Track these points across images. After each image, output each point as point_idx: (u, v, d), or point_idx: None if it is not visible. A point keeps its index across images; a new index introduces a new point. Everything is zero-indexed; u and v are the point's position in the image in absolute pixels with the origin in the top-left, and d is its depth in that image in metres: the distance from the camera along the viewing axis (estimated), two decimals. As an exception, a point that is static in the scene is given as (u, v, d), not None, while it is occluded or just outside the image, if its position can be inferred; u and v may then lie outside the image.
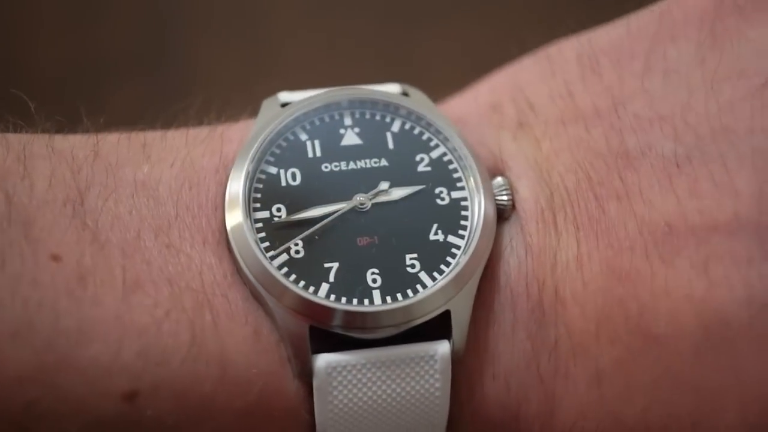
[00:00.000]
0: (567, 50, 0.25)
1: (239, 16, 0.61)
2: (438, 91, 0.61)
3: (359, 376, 0.21)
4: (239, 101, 0.25)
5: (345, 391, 0.21)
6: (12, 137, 0.21)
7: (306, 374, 0.21)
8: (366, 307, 0.21)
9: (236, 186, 0.22)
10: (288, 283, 0.21)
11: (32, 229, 0.20)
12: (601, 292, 0.21)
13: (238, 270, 0.21)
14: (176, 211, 0.21)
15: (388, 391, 0.21)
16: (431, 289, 0.21)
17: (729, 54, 0.23)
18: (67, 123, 0.23)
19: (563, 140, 0.23)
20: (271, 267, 0.21)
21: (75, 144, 0.22)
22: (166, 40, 0.60)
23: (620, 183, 0.21)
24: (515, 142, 0.23)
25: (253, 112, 0.24)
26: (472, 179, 0.22)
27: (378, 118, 0.22)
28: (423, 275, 0.21)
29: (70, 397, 0.19)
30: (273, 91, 0.25)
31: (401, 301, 0.21)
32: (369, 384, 0.21)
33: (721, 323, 0.20)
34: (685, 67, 0.23)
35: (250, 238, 0.21)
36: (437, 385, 0.21)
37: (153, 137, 0.23)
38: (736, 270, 0.20)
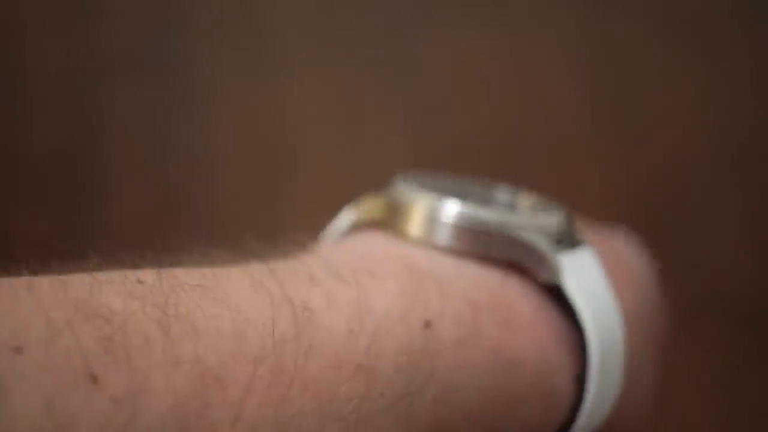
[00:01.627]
0: None
1: (241, 16, 0.61)
2: (438, 92, 0.61)
3: (583, 265, 0.27)
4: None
5: (581, 279, 0.26)
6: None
7: (555, 273, 0.26)
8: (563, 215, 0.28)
9: (427, 200, 0.28)
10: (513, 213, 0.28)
11: (276, 271, 0.24)
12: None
13: (448, 235, 0.27)
14: (360, 251, 0.27)
15: (597, 277, 0.27)
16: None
17: None
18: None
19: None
20: (499, 211, 0.28)
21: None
22: (167, 40, 0.60)
23: None
24: None
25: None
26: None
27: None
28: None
29: (387, 335, 0.24)
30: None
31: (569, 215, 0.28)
32: (592, 278, 0.27)
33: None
34: None
35: (456, 204, 0.27)
36: (603, 272, 0.27)
37: (290, 258, 0.27)
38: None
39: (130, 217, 0.47)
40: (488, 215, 0.27)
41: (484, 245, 0.27)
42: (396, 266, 0.26)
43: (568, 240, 0.28)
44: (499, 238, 0.27)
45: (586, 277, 0.27)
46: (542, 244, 0.27)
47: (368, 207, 0.29)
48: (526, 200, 0.30)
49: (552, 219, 0.28)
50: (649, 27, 0.54)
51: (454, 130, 0.51)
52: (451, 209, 0.27)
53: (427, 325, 0.24)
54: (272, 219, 0.47)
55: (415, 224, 0.27)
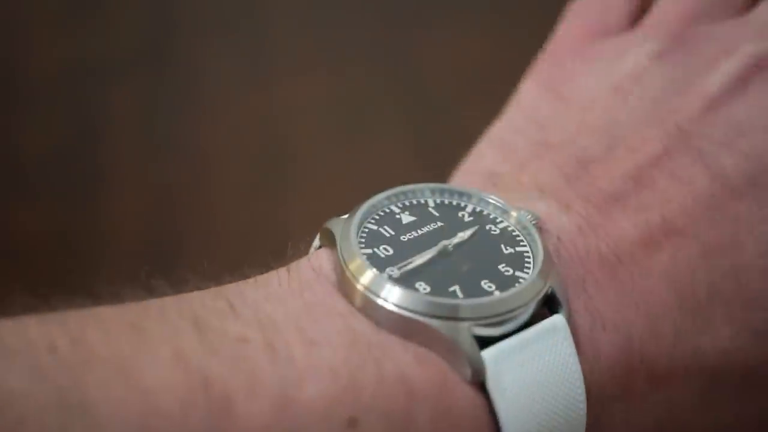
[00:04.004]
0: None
1: (240, 16, 0.61)
2: (439, 93, 0.61)
3: (516, 358, 0.24)
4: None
5: (513, 374, 0.24)
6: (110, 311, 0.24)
7: (479, 372, 0.24)
8: (501, 296, 0.25)
9: (356, 263, 0.25)
10: (439, 299, 0.24)
11: (214, 328, 0.23)
12: (632, 225, 0.27)
13: (385, 317, 0.24)
14: (308, 300, 0.25)
15: (539, 366, 0.24)
16: (530, 278, 0.25)
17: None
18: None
19: (532, 170, 0.28)
20: (421, 295, 0.24)
21: (195, 292, 0.25)
22: (167, 40, 0.60)
23: (586, 169, 0.28)
24: (503, 185, 0.29)
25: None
26: (506, 217, 0.27)
27: (415, 202, 0.28)
28: (519, 273, 0.25)
29: None
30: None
31: (516, 289, 0.25)
32: (525, 363, 0.24)
33: (711, 197, 0.27)
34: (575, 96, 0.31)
35: (391, 285, 0.24)
36: (568, 350, 0.24)
37: (246, 280, 0.26)
38: (692, 168, 0.28)
39: (128, 217, 0.47)
40: (399, 296, 0.25)
41: (407, 331, 0.25)
42: (337, 328, 0.24)
43: (535, 303, 0.25)
44: (416, 326, 0.24)
45: (526, 375, 0.24)
46: (463, 339, 0.24)
47: (325, 237, 0.27)
48: (516, 217, 0.27)
49: (522, 284, 0.25)
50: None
51: (454, 131, 0.51)
52: (373, 283, 0.25)
53: (352, 424, 0.23)
54: (271, 220, 0.47)
55: (353, 285, 0.25)
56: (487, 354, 0.24)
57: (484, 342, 0.25)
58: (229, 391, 0.22)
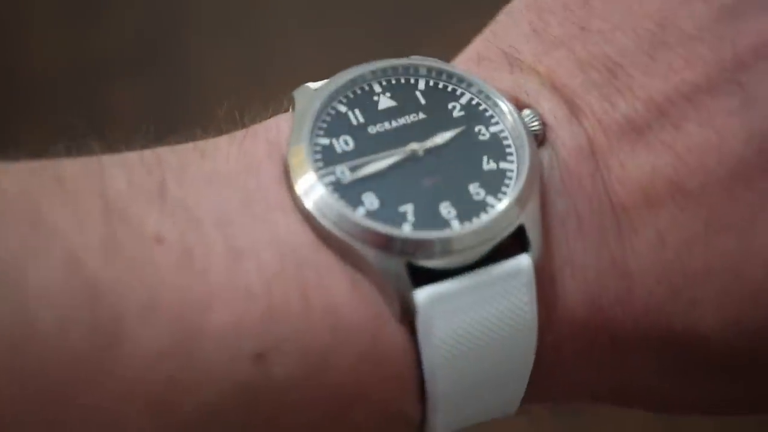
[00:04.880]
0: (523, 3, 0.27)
1: (238, 16, 0.61)
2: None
3: (457, 303, 0.22)
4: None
5: (446, 321, 0.22)
6: (76, 158, 0.22)
7: (409, 312, 0.22)
8: (452, 231, 0.22)
9: (299, 157, 0.22)
10: (376, 225, 0.22)
11: (130, 218, 0.21)
12: (637, 167, 0.23)
13: (318, 231, 0.22)
14: (247, 191, 0.22)
15: (484, 314, 0.22)
16: (500, 207, 0.22)
17: None
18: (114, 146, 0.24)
19: (554, 61, 0.25)
20: (356, 216, 0.22)
21: (135, 155, 0.23)
22: (165, 40, 0.60)
23: (615, 80, 0.24)
24: (515, 75, 0.25)
25: (274, 111, 0.25)
26: (503, 114, 0.24)
27: (403, 81, 0.24)
28: (490, 199, 0.22)
29: (206, 365, 0.20)
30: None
31: (478, 222, 0.22)
32: (466, 309, 0.22)
33: (739, 162, 0.23)
34: None
35: (329, 196, 0.22)
36: (526, 296, 0.22)
37: (200, 143, 0.24)
38: (731, 119, 0.23)
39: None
40: (335, 212, 0.22)
41: (344, 252, 0.22)
42: (269, 237, 0.21)
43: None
44: (349, 250, 0.22)
45: (465, 324, 0.22)
46: (394, 274, 0.21)
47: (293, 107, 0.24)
48: (512, 122, 0.24)
49: (488, 216, 0.22)
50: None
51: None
52: (313, 190, 0.22)
53: (258, 360, 0.20)
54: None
55: (292, 185, 0.22)
56: (422, 294, 0.22)
57: (430, 275, 0.22)
58: (121, 308, 0.20)
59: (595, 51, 0.25)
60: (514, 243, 0.23)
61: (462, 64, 0.26)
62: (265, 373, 0.20)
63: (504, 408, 0.24)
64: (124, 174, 0.22)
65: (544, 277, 0.23)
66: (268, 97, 0.28)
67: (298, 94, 0.24)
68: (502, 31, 0.26)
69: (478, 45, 0.27)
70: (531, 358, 0.23)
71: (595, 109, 0.24)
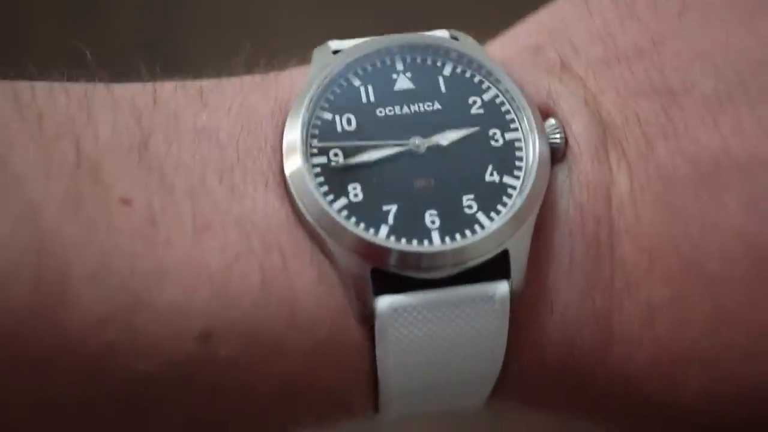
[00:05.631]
0: None
1: (238, 16, 0.61)
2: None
3: (419, 317, 0.20)
4: (285, 51, 0.25)
5: (406, 332, 0.20)
6: (72, 86, 0.21)
7: (368, 316, 0.20)
8: (426, 247, 0.20)
9: (294, 132, 0.21)
10: (348, 225, 0.20)
11: (101, 174, 0.20)
12: (654, 227, 0.21)
13: (297, 213, 0.21)
14: (237, 155, 0.21)
15: (448, 331, 0.20)
16: (489, 229, 0.20)
17: None
18: (125, 72, 0.22)
19: (608, 79, 0.22)
20: (332, 210, 0.20)
21: (134, 92, 0.22)
22: (164, 40, 0.60)
23: (666, 121, 0.21)
24: (561, 83, 0.23)
25: (302, 61, 0.24)
26: (525, 120, 0.22)
27: (429, 62, 0.22)
28: (480, 216, 0.20)
29: (147, 338, 0.19)
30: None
31: (460, 241, 0.20)
32: (429, 325, 0.20)
33: None
34: (720, 3, 0.23)
35: (310, 182, 0.20)
36: (495, 324, 0.20)
37: (208, 85, 0.23)
38: None
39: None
40: (314, 201, 0.20)
41: (319, 242, 0.21)
42: (245, 211, 0.20)
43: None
44: (322, 243, 0.20)
45: (427, 340, 0.21)
46: (357, 276, 0.20)
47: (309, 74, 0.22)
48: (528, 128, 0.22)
49: (474, 237, 0.20)
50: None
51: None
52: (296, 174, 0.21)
53: (203, 338, 0.19)
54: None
55: (281, 163, 0.21)
56: (383, 302, 0.20)
57: (398, 279, 0.20)
58: (69, 268, 0.19)
59: (657, 79, 0.22)
60: (497, 265, 0.21)
61: (504, 47, 0.24)
62: (209, 353, 0.19)
63: (466, 406, 0.23)
64: (111, 119, 0.20)
65: (521, 307, 0.21)
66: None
67: (317, 54, 0.23)
68: (565, 24, 0.24)
69: (532, 28, 0.25)
70: (491, 381, 0.22)
71: (630, 149, 0.22)
